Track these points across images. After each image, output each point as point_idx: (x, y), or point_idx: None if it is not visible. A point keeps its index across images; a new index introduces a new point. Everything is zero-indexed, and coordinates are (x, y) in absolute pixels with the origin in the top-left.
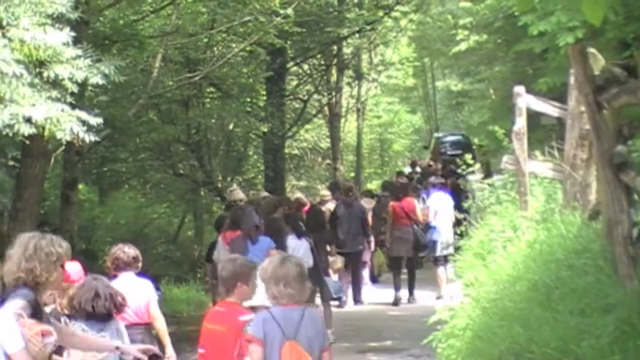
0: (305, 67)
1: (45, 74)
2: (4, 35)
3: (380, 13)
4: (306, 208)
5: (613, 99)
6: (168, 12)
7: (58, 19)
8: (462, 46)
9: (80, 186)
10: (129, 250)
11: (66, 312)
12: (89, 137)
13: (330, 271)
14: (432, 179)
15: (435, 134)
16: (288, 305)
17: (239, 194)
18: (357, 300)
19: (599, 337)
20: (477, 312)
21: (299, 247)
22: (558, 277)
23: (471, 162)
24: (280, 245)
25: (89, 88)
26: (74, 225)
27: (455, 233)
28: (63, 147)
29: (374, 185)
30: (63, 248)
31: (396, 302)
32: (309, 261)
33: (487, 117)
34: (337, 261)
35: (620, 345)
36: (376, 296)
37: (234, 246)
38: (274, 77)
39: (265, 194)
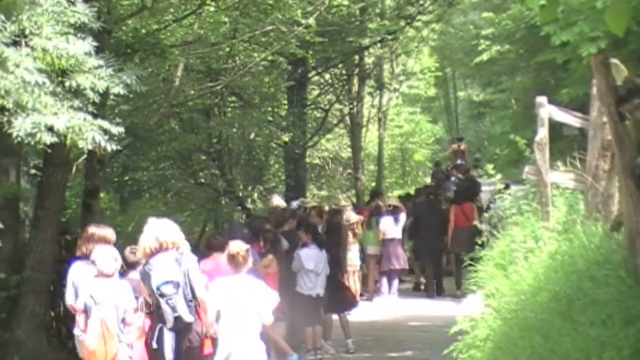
0: (327, 77)
1: (67, 84)
2: (27, 45)
3: (402, 23)
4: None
5: (636, 110)
6: (190, 22)
7: (80, 29)
8: (484, 56)
9: (101, 195)
10: (220, 238)
11: None
12: (111, 146)
13: (354, 280)
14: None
15: None
16: None
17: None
18: (439, 293)
19: (620, 349)
20: (498, 323)
21: (319, 258)
22: (580, 289)
23: (492, 172)
24: (278, 257)
25: (111, 97)
26: None
27: None
28: (85, 156)
29: (395, 194)
30: None
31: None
32: (327, 272)
33: (509, 128)
34: None
35: None
36: (397, 306)
37: None
38: (295, 87)
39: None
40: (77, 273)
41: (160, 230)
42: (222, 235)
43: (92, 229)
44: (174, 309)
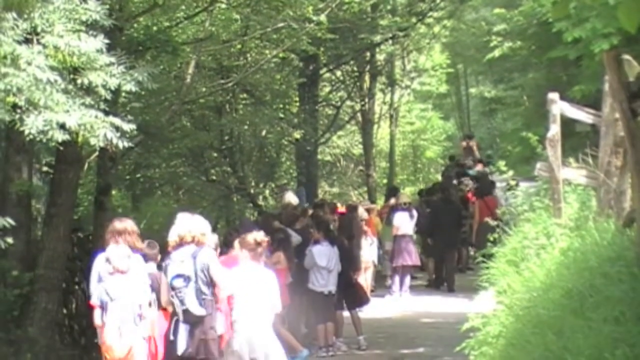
0: (338, 73)
1: (79, 81)
2: (38, 42)
3: (414, 19)
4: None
5: None
6: (202, 19)
7: (92, 26)
8: (496, 53)
9: (113, 192)
10: (236, 233)
11: None
12: (122, 143)
13: (365, 277)
14: None
15: None
16: None
17: (286, 199)
18: (450, 289)
19: (633, 345)
20: (510, 320)
21: (331, 255)
22: (592, 285)
23: (504, 169)
24: (287, 255)
25: (123, 94)
26: None
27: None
28: (96, 153)
29: (407, 190)
30: None
31: None
32: (339, 268)
33: (520, 124)
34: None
35: None
36: (409, 302)
37: None
38: (306, 84)
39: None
40: (101, 265)
41: (181, 225)
42: (237, 231)
43: (116, 222)
44: (182, 302)
